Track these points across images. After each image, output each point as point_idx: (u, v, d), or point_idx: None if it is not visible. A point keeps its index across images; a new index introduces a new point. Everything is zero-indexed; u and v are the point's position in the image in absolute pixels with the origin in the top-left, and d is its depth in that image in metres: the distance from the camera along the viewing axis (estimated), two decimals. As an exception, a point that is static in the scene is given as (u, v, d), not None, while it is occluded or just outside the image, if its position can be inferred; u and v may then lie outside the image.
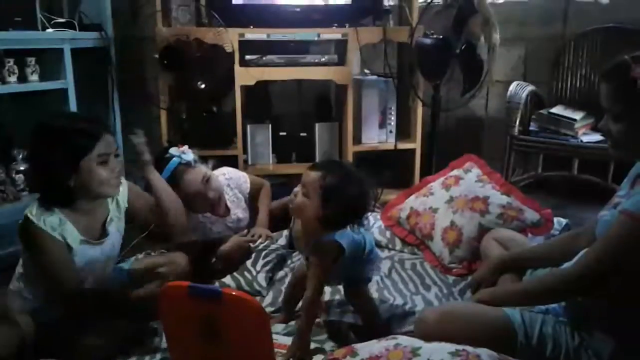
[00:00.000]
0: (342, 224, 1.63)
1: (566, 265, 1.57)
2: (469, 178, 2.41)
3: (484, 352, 1.37)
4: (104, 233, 1.81)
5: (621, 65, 1.38)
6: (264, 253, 2.25)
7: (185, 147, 2.28)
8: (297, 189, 1.65)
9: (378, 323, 1.83)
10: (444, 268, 2.25)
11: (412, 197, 2.53)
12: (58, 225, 1.68)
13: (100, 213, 1.82)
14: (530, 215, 2.26)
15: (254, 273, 2.15)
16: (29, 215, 1.67)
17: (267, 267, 2.19)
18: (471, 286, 1.87)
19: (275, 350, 1.58)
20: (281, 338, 1.73)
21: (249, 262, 2.19)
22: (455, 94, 3.04)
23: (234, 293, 1.39)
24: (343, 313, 1.90)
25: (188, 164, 2.24)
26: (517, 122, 3.17)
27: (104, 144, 1.69)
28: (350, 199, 1.60)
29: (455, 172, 2.48)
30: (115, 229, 1.86)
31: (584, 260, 1.43)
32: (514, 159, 3.27)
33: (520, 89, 3.22)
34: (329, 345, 1.72)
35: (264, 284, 2.12)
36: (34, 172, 1.76)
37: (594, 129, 3.07)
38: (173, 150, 2.26)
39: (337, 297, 1.97)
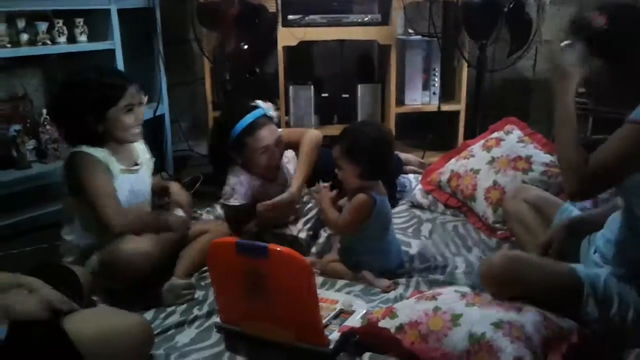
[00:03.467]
0: (376, 173, 1.88)
1: None
2: (510, 139, 2.39)
3: (528, 320, 1.37)
4: (136, 166, 1.96)
5: (581, 17, 1.44)
6: (305, 210, 2.25)
7: (270, 104, 2.29)
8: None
9: None
10: (488, 229, 2.24)
11: (453, 160, 2.51)
12: (102, 154, 1.84)
13: (131, 152, 1.97)
14: None
15: (295, 232, 2.17)
16: (75, 149, 1.82)
17: (308, 226, 2.20)
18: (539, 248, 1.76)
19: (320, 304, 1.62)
20: (325, 293, 1.77)
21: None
22: (502, 54, 2.96)
23: (279, 249, 1.43)
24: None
25: (270, 118, 2.23)
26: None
27: (129, 95, 1.85)
28: (370, 148, 1.83)
29: (495, 135, 2.45)
30: (146, 168, 2.00)
31: (591, 160, 1.38)
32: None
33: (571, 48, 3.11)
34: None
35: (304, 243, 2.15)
36: (67, 122, 1.88)
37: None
38: (260, 102, 2.26)
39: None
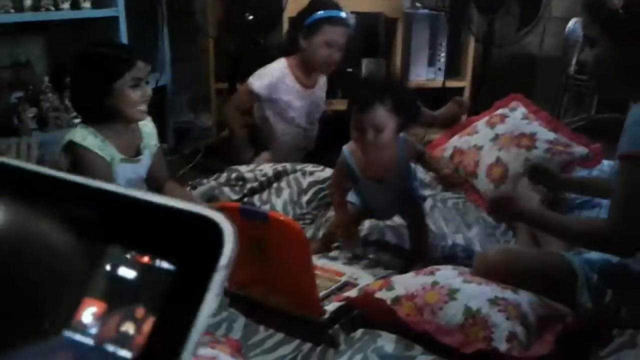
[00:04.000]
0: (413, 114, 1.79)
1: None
2: (515, 116, 2.37)
3: (524, 299, 1.37)
4: (138, 153, 1.95)
5: None
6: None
7: (352, 15, 2.54)
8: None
9: (426, 249, 1.88)
10: (489, 207, 2.23)
11: (456, 136, 2.49)
12: (102, 144, 1.82)
13: (135, 136, 1.96)
14: (579, 149, 2.22)
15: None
16: (72, 138, 1.80)
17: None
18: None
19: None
20: (331, 264, 1.79)
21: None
22: (510, 30, 2.92)
23: (279, 217, 1.47)
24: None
25: (347, 26, 2.47)
26: (574, 61, 3.04)
27: (137, 69, 1.83)
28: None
29: (500, 111, 2.43)
30: (148, 154, 1.99)
31: (612, 221, 1.37)
32: (567, 101, 3.16)
33: (579, 26, 3.07)
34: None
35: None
36: (75, 92, 1.92)
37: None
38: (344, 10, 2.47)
39: (375, 236, 2.00)
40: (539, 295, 1.42)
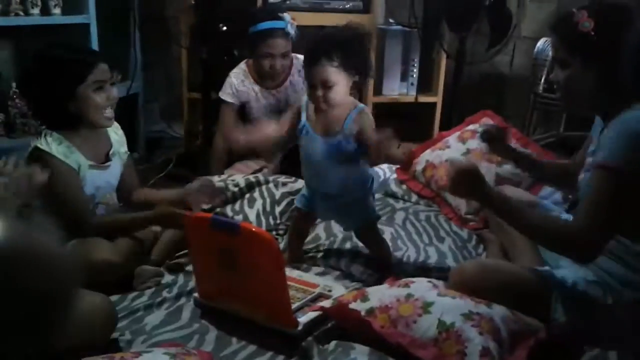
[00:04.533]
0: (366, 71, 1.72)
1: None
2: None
3: (498, 314, 1.38)
4: (107, 160, 1.90)
5: (567, 17, 1.43)
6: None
7: (294, 21, 2.52)
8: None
9: (390, 263, 1.87)
10: (460, 220, 2.25)
11: (428, 150, 2.52)
12: (68, 151, 1.77)
13: (103, 143, 1.91)
14: None
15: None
16: (38, 145, 1.74)
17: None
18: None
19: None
20: (305, 276, 1.77)
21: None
22: (481, 48, 2.97)
23: (251, 228, 1.44)
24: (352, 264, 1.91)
25: (286, 34, 2.48)
26: (543, 79, 3.11)
27: (100, 71, 1.78)
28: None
29: (471, 127, 2.47)
30: (118, 160, 1.94)
31: (577, 225, 1.39)
32: (536, 118, 3.22)
33: (548, 46, 3.14)
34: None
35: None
36: (37, 98, 1.83)
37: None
38: (287, 16, 2.51)
39: (348, 245, 1.99)
40: (513, 310, 1.44)
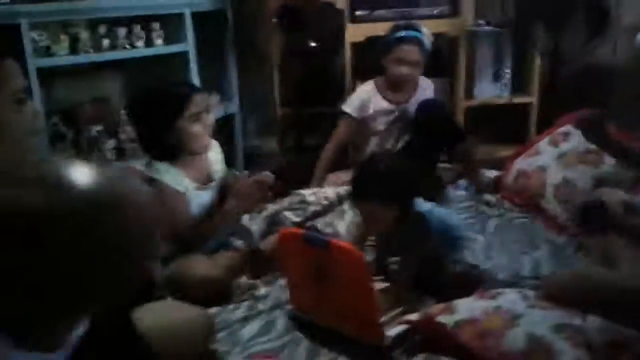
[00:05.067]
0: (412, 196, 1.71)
1: None
2: (578, 132, 2.29)
3: (592, 326, 1.33)
4: (209, 180, 2.01)
5: None
6: None
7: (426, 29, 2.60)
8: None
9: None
10: (558, 227, 2.17)
11: (519, 159, 2.44)
12: (174, 177, 1.89)
13: (204, 165, 2.01)
14: None
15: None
16: (148, 174, 1.88)
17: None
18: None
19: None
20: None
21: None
22: (577, 43, 2.84)
23: (339, 244, 1.50)
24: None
25: (418, 43, 2.56)
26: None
27: (194, 104, 1.87)
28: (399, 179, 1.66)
29: (563, 129, 2.36)
30: (217, 180, 2.03)
31: None
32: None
33: (653, 36, 2.94)
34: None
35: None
36: (139, 134, 1.98)
37: None
38: (424, 29, 2.60)
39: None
40: (608, 321, 1.37)
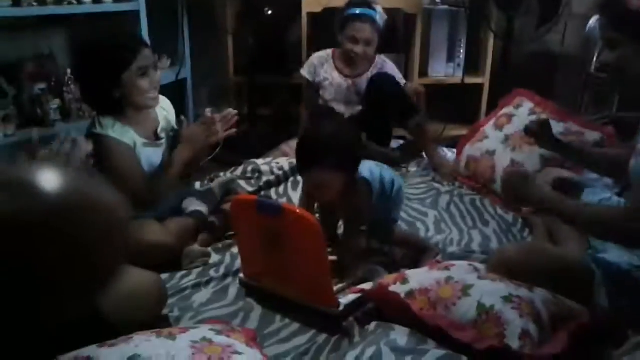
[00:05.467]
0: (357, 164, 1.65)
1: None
2: (521, 113, 2.35)
3: (539, 297, 1.37)
4: (157, 138, 1.95)
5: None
6: None
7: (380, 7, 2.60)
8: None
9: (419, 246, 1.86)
10: (505, 204, 2.21)
11: (467, 146, 2.48)
12: (122, 131, 1.83)
13: (151, 122, 1.95)
14: (591, 135, 2.21)
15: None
16: (94, 130, 1.82)
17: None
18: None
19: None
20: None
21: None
22: (530, 27, 2.90)
23: (294, 210, 1.48)
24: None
25: (372, 22, 2.55)
26: (595, 59, 3.01)
27: (142, 57, 1.82)
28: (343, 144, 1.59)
29: (505, 111, 2.42)
30: (165, 138, 1.98)
31: (631, 211, 1.38)
32: (588, 99, 3.13)
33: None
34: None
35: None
36: (84, 87, 1.93)
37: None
38: (378, 7, 2.60)
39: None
40: (555, 294, 1.42)
